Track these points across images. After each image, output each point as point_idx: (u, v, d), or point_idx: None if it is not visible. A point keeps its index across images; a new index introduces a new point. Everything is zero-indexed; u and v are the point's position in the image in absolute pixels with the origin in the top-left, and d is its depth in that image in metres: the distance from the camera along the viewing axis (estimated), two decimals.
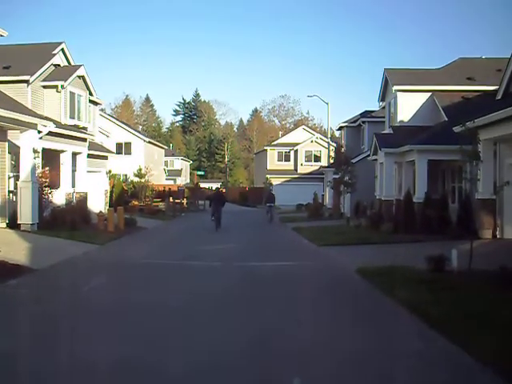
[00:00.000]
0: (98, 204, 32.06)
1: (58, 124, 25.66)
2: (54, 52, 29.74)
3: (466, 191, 21.96)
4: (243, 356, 7.34)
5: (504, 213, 19.99)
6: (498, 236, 20.00)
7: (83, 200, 28.62)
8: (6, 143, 22.66)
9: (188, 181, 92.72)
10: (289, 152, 71.88)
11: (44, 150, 24.09)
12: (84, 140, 29.38)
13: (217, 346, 7.78)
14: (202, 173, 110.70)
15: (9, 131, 22.48)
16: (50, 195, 24.30)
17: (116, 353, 7.40)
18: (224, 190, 61.36)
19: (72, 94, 29.97)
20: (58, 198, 25.72)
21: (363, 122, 43.77)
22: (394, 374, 6.81)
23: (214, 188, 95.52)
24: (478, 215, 20.20)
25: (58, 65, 30.07)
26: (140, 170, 47.63)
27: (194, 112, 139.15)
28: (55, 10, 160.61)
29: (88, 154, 30.12)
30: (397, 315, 9.76)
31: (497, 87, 22.64)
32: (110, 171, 39.57)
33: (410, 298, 10.24)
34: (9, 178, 23.10)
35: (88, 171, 30.33)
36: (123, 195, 41.60)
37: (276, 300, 11.10)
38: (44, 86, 28.50)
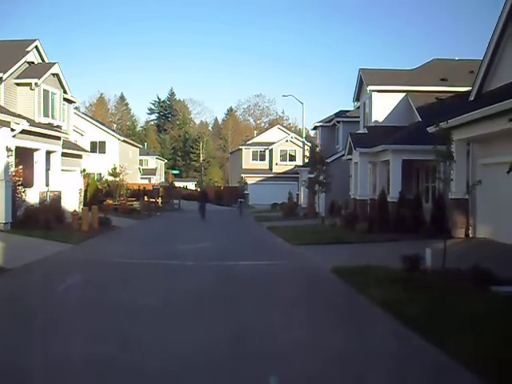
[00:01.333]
0: (72, 203, 31.79)
1: (31, 122, 25.37)
2: (27, 49, 29.37)
3: (440, 191, 22.19)
4: (218, 355, 7.35)
5: (476, 212, 20.26)
6: (470, 235, 20.26)
7: (57, 199, 28.36)
8: None
9: (163, 180, 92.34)
10: (264, 151, 71.99)
11: (17, 148, 23.80)
12: (58, 138, 29.10)
13: (191, 346, 7.78)
14: (177, 172, 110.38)
15: None
16: (23, 194, 24.06)
17: (89, 352, 7.35)
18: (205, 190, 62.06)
19: (46, 92, 29.67)
20: (32, 196, 25.44)
21: (338, 122, 43.95)
22: (368, 371, 6.88)
23: (189, 187, 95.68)
24: (452, 214, 20.45)
25: (32, 62, 29.72)
26: (115, 168, 47.38)
27: (168, 111, 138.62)
28: (29, 7, 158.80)
29: (62, 153, 29.83)
30: (372, 314, 9.84)
31: (470, 88, 22.92)
32: (84, 170, 39.28)
33: (384, 297, 10.33)
34: None
35: (62, 170, 30.06)
36: (98, 194, 41.36)
37: (251, 299, 11.12)
38: (17, 84, 28.15)
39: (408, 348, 7.75)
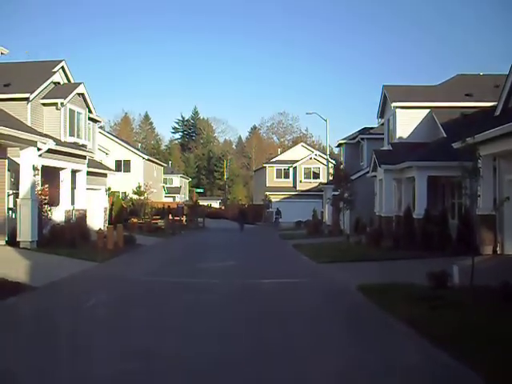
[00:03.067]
0: (97, 221, 32.03)
1: (57, 141, 25.65)
2: (53, 70, 29.84)
3: (466, 207, 21.93)
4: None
5: (504, 229, 19.95)
6: (498, 252, 19.94)
7: (82, 217, 28.57)
8: (6, 160, 22.68)
9: (187, 198, 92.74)
10: (288, 169, 71.92)
11: (43, 167, 24.06)
12: (83, 157, 29.37)
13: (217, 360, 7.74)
14: (201, 190, 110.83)
15: (8, 148, 22.52)
16: (49, 212, 24.29)
17: (117, 369, 7.35)
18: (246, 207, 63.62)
19: (71, 112, 30.02)
20: (58, 215, 25.67)
21: (362, 139, 43.84)
22: None
23: (213, 205, 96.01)
24: (479, 231, 20.16)
25: (58, 82, 30.14)
26: (139, 187, 47.64)
27: (192, 129, 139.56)
28: (54, 27, 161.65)
29: (87, 172, 30.09)
30: (399, 333, 9.70)
31: (495, 103, 22.71)
32: (109, 188, 39.56)
33: (411, 315, 10.18)
34: (8, 195, 23.10)
35: (87, 188, 30.30)
36: (122, 212, 41.60)
37: (277, 317, 11.02)
38: (44, 104, 28.54)
39: (435, 367, 7.60)
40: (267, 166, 73.86)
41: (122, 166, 58.55)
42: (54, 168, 26.26)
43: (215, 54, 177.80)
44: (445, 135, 27.71)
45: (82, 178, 29.35)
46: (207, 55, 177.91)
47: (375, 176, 32.62)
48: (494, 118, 21.33)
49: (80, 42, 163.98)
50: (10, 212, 22.98)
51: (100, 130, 47.93)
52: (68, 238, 23.15)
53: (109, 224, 31.76)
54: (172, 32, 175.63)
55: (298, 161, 71.03)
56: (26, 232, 21.49)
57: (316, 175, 69.85)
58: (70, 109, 29.70)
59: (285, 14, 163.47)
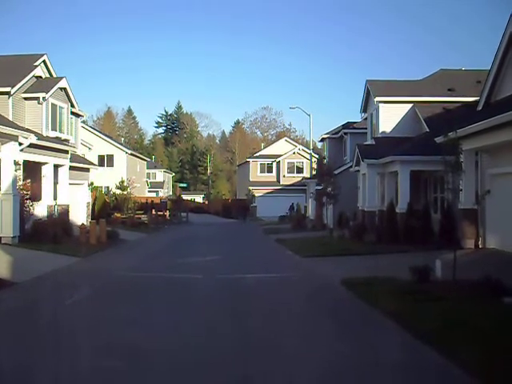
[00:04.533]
0: (80, 216, 31.83)
1: (39, 136, 25.45)
2: (35, 64, 29.52)
3: (448, 201, 22.04)
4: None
5: (486, 222, 20.11)
6: (480, 246, 20.09)
7: (65, 212, 28.37)
8: None
9: (170, 193, 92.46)
10: (271, 164, 71.97)
11: (25, 162, 23.85)
12: (66, 152, 29.15)
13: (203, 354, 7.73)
14: (185, 185, 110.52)
15: None
16: (31, 208, 24.10)
17: (100, 364, 7.35)
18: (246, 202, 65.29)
19: (54, 106, 29.78)
20: (40, 210, 25.48)
21: (345, 134, 43.91)
22: (379, 380, 6.86)
23: (196, 200, 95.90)
24: (461, 225, 20.31)
25: (40, 76, 29.87)
26: (122, 182, 47.40)
27: (176, 124, 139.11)
28: (37, 22, 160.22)
29: (70, 167, 29.85)
30: (382, 325, 9.75)
31: (477, 98, 22.85)
32: (92, 183, 39.34)
33: (395, 309, 10.24)
34: None
35: (70, 183, 30.07)
36: (105, 207, 41.40)
37: (259, 313, 11.04)
38: (25, 98, 28.26)
39: (419, 360, 7.66)
40: (251, 160, 73.85)
41: (105, 160, 58.28)
42: (36, 163, 26.02)
43: (198, 49, 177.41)
44: (428, 130, 27.83)
45: (64, 172, 29.12)
46: (190, 51, 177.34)
47: (358, 170, 32.72)
48: (476, 112, 21.46)
49: (63, 37, 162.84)
50: None
51: (83, 125, 47.64)
52: (50, 233, 22.99)
53: (92, 219, 31.59)
54: (155, 28, 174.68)
55: (281, 155, 71.09)
56: (7, 227, 21.31)
57: (299, 170, 69.95)
58: (52, 103, 29.45)
59: (266, 8, 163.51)
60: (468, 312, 9.63)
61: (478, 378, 6.57)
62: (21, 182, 23.21)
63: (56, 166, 28.04)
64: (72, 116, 33.61)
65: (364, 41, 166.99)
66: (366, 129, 36.75)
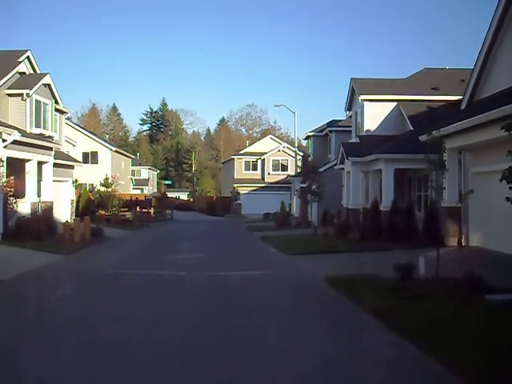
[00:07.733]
0: (64, 214, 31.68)
1: (23, 133, 25.30)
2: (19, 60, 29.31)
3: (432, 199, 22.22)
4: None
5: (469, 221, 20.28)
6: (463, 243, 20.27)
7: (49, 210, 28.23)
8: None
9: (155, 190, 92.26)
10: (256, 161, 71.95)
11: (9, 158, 23.70)
12: (50, 149, 28.99)
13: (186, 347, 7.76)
14: (170, 182, 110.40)
15: None
16: (14, 205, 23.97)
17: (85, 360, 7.36)
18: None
19: (38, 103, 29.58)
20: (24, 207, 25.33)
21: (330, 132, 44.07)
22: (360, 380, 6.90)
23: (181, 197, 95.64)
24: (444, 223, 20.47)
25: (24, 73, 29.66)
26: (107, 179, 47.18)
27: (161, 121, 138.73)
28: (22, 18, 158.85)
29: (54, 163, 29.70)
30: (364, 323, 9.82)
31: (461, 97, 23.01)
32: (76, 180, 39.09)
33: (378, 306, 10.30)
34: None
35: (54, 181, 29.92)
36: (90, 205, 41.21)
37: (243, 310, 11.07)
38: (9, 94, 28.06)
39: (401, 357, 7.72)
40: (236, 158, 73.79)
41: (90, 157, 58.03)
42: (20, 160, 25.85)
43: (183, 46, 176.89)
44: (412, 128, 28.01)
45: (48, 169, 28.97)
46: (175, 48, 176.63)
47: (343, 168, 32.85)
48: (459, 111, 21.61)
49: (45, 32, 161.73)
50: None
51: (67, 122, 47.29)
52: (34, 230, 22.87)
53: (76, 216, 31.48)
54: (140, 25, 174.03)
55: (266, 153, 71.11)
56: None
57: (284, 167, 70.04)
58: (36, 99, 29.25)
59: (252, 4, 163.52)
60: (450, 309, 9.72)
61: (460, 375, 6.64)
62: (4, 179, 23.07)
63: (40, 163, 27.89)
64: (56, 113, 33.42)
65: (349, 38, 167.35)
66: (350, 127, 36.90)
